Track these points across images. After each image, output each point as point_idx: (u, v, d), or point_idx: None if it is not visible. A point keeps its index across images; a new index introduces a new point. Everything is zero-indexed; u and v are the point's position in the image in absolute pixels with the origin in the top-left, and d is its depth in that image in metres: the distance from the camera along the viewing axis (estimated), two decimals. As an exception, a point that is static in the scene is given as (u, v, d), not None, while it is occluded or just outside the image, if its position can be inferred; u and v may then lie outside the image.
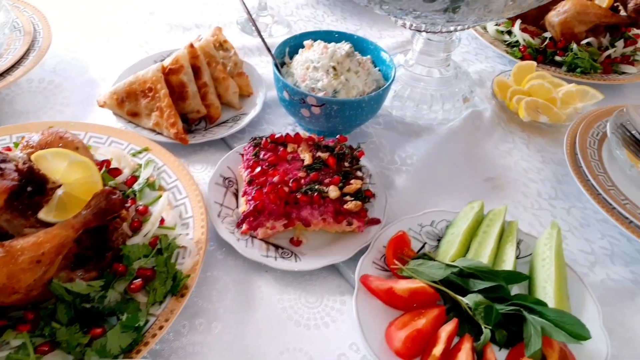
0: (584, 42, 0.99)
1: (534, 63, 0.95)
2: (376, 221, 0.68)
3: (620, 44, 1.01)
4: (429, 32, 0.77)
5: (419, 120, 0.88)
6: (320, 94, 0.75)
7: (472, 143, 0.86)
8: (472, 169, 0.82)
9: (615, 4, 1.03)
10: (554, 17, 1.00)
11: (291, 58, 0.83)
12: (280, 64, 0.83)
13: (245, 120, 0.81)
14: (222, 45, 0.88)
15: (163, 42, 1.01)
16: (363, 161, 0.76)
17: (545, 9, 1.02)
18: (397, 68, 0.92)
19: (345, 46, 0.78)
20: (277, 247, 0.65)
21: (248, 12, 0.79)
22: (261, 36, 0.80)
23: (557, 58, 1.00)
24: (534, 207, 0.77)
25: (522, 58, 0.99)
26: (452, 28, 0.75)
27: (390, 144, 0.84)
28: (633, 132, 0.80)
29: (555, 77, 0.95)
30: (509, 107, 0.89)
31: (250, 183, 0.67)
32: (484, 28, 1.07)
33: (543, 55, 1.01)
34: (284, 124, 0.85)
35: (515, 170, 0.82)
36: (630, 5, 0.99)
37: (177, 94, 0.79)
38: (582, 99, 0.91)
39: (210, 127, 0.81)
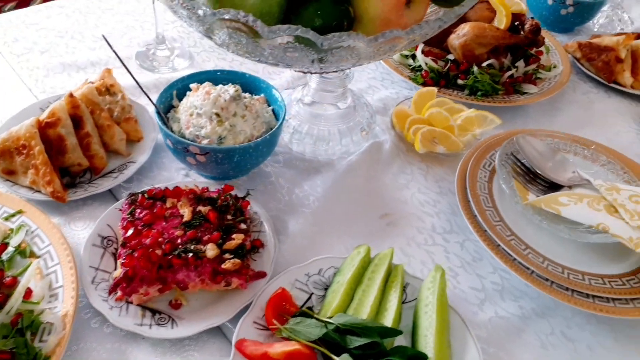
0: (485, 63, 1.00)
1: (434, 89, 0.95)
2: (262, 275, 0.67)
3: (521, 63, 1.02)
4: (315, 73, 0.76)
5: (319, 156, 0.87)
6: (205, 142, 0.73)
7: (370, 177, 0.85)
8: (369, 206, 0.81)
9: (516, 23, 1.04)
10: (455, 40, 1.00)
11: (181, 100, 0.81)
12: (169, 107, 0.81)
13: (132, 169, 0.78)
14: (108, 89, 0.84)
15: (56, 83, 0.96)
16: (255, 207, 0.74)
17: (447, 32, 1.02)
18: (296, 103, 0.90)
19: (230, 89, 0.76)
20: (154, 312, 0.63)
21: (116, 54, 0.75)
22: (135, 79, 0.77)
23: (460, 81, 1.00)
24: (427, 243, 0.77)
25: (424, 84, 0.99)
26: (335, 69, 0.73)
27: (288, 183, 0.83)
28: (523, 160, 0.81)
29: (457, 102, 0.95)
30: (406, 138, 0.89)
31: (123, 245, 0.64)
32: (389, 52, 1.07)
33: (446, 79, 1.01)
34: (177, 169, 0.83)
35: (412, 204, 0.82)
36: (527, 26, 1.00)
37: (56, 148, 0.75)
38: (480, 125, 0.91)
39: (95, 179, 0.78)
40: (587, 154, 0.84)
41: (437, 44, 1.05)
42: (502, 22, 1.01)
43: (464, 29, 0.99)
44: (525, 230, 0.73)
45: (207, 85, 0.78)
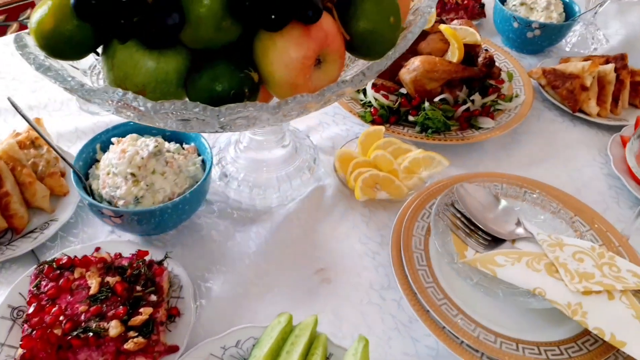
0: (437, 98, 0.95)
1: (382, 129, 0.91)
2: (174, 349, 0.63)
3: (477, 96, 0.97)
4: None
5: (257, 204, 0.83)
6: (121, 203, 0.70)
7: (309, 227, 0.81)
8: (305, 260, 0.77)
9: (473, 53, 0.99)
10: (405, 75, 0.95)
11: (106, 152, 0.77)
12: (93, 161, 0.77)
13: (53, 228, 0.75)
14: (33, 142, 0.81)
15: (-9, 128, 0.94)
16: (176, 269, 0.71)
17: (398, 64, 0.98)
18: (234, 147, 0.87)
19: (151, 144, 0.73)
20: (57, 394, 0.60)
21: (23, 116, 0.72)
22: (47, 141, 0.73)
23: (411, 118, 0.95)
24: (362, 302, 0.73)
25: (373, 121, 0.95)
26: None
27: (221, 236, 0.79)
28: (463, 211, 0.76)
29: (407, 141, 0.91)
30: (348, 184, 0.85)
31: (26, 322, 0.61)
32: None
33: (397, 115, 0.96)
34: (103, 225, 0.79)
35: (350, 257, 0.78)
36: (480, 59, 0.95)
37: (-30, 210, 0.72)
38: (428, 167, 0.87)
39: (15, 239, 0.75)
40: (536, 199, 0.79)
41: (390, 76, 1.01)
42: (454, 55, 0.96)
43: (414, 63, 0.94)
44: (460, 291, 0.69)
45: (127, 139, 0.74)
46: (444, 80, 0.95)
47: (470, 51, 0.98)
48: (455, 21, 1.04)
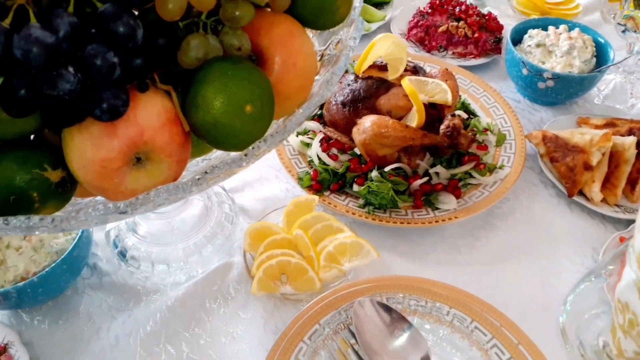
0: (391, 167, 0.79)
1: (314, 199, 0.77)
2: None
3: (441, 169, 0.80)
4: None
5: (148, 280, 0.73)
6: (-34, 278, 0.62)
7: (196, 318, 0.69)
8: (178, 360, 0.66)
9: (441, 116, 0.81)
10: (356, 135, 0.80)
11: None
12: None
13: None
14: None
15: None
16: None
17: (352, 122, 0.82)
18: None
19: (12, 212, 0.64)
20: None
21: None
22: None
23: (355, 187, 0.80)
24: None
25: (310, 187, 0.80)
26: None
27: (97, 318, 0.69)
28: (357, 342, 0.60)
29: (342, 217, 0.76)
30: (250, 272, 0.72)
31: None
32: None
33: (342, 181, 0.81)
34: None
35: (232, 366, 0.65)
36: (442, 127, 0.77)
37: None
38: (354, 256, 0.72)
39: None
40: (466, 329, 0.62)
41: (344, 131, 0.85)
42: (414, 118, 0.78)
43: (365, 123, 0.78)
44: None
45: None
46: (399, 147, 0.78)
47: (438, 113, 0.80)
48: (434, 70, 0.86)
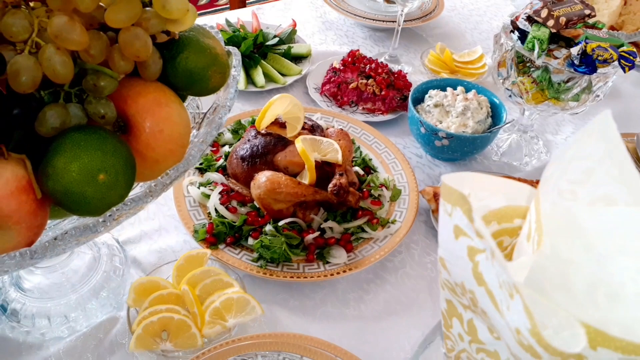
0: (282, 223, 0.81)
1: (206, 253, 0.78)
2: None
3: (333, 224, 0.83)
4: None
5: (28, 335, 0.72)
6: None
7: (74, 375, 0.69)
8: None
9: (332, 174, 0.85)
10: (253, 189, 0.82)
11: None
12: None
13: None
14: None
15: None
16: None
17: (250, 176, 0.85)
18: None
19: None
20: None
21: None
22: None
23: (250, 241, 0.82)
24: None
25: (205, 240, 0.82)
26: None
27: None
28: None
29: (234, 271, 0.78)
30: (131, 329, 0.72)
31: None
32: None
33: (238, 234, 0.83)
34: None
35: None
36: (330, 186, 0.81)
37: None
38: (239, 312, 0.73)
39: None
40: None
41: (245, 183, 0.87)
42: (306, 175, 0.82)
43: (261, 178, 0.81)
44: None
45: None
46: (292, 202, 0.81)
47: (331, 170, 0.83)
48: (331, 129, 0.90)
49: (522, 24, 0.95)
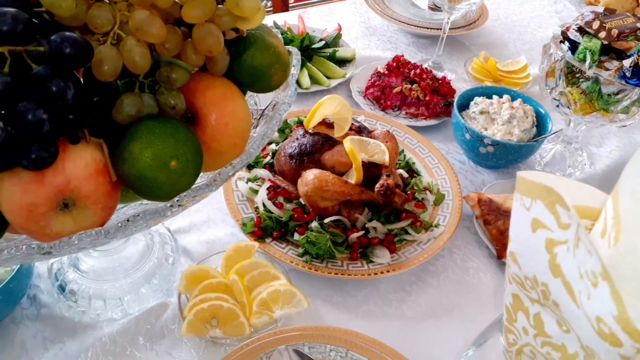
0: (328, 220, 0.83)
1: (254, 246, 0.80)
2: None
3: (377, 224, 0.84)
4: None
5: (84, 314, 0.75)
6: None
7: (127, 357, 0.71)
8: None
9: (379, 175, 0.86)
10: (300, 186, 0.84)
11: None
12: None
13: None
14: None
15: None
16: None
17: (298, 173, 0.87)
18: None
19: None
20: None
21: None
22: None
23: (296, 236, 0.84)
24: None
25: (253, 233, 0.84)
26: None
27: (31, 347, 0.71)
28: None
29: (281, 265, 0.80)
30: (182, 314, 0.74)
31: None
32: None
33: (285, 229, 0.85)
34: None
35: (152, 405, 0.67)
36: (377, 186, 0.82)
37: None
38: (285, 304, 0.75)
39: None
40: (382, 380, 0.65)
41: (292, 181, 0.90)
42: (353, 175, 0.83)
43: (309, 176, 0.83)
44: None
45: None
46: (338, 201, 0.83)
47: (379, 171, 0.85)
48: (377, 131, 0.92)
49: (573, 34, 0.95)
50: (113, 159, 0.52)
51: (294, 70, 0.67)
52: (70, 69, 0.48)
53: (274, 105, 0.67)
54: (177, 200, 0.54)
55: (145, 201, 0.66)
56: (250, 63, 0.61)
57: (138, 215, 0.51)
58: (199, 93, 0.58)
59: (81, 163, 0.49)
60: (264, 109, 0.71)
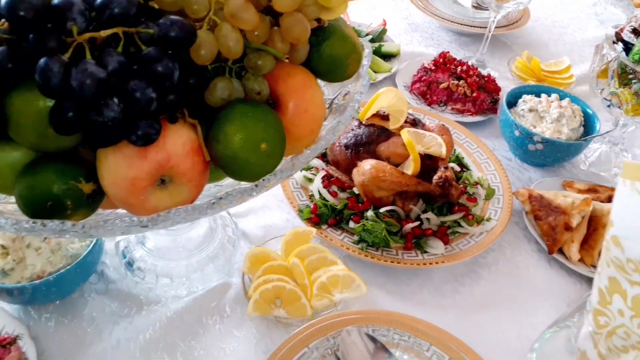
0: (384, 209, 0.85)
1: (312, 231, 0.83)
2: None
3: (432, 215, 0.86)
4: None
5: (150, 291, 0.78)
6: (-13, 273, 0.68)
7: (191, 332, 0.74)
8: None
9: (435, 167, 0.88)
10: (355, 176, 0.86)
11: None
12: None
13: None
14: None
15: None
16: (30, 352, 0.67)
17: (353, 163, 0.89)
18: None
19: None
20: None
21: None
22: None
23: (352, 224, 0.86)
24: None
25: (310, 220, 0.86)
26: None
27: (99, 322, 0.74)
28: (346, 364, 0.66)
29: (337, 251, 0.82)
30: (247, 294, 0.77)
31: None
32: (293, 172, 0.95)
33: (340, 217, 0.87)
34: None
35: (219, 379, 0.70)
36: (435, 177, 0.84)
37: None
38: (344, 288, 0.77)
39: None
40: (443, 364, 0.67)
41: (346, 171, 0.92)
42: (410, 166, 0.85)
43: (365, 166, 0.85)
44: None
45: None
46: (394, 191, 0.85)
47: (433, 164, 0.87)
48: (432, 124, 0.94)
49: (627, 35, 0.96)
50: (206, 140, 0.55)
51: (365, 61, 0.69)
52: (176, 51, 0.50)
53: (345, 94, 0.69)
54: (263, 181, 0.56)
55: (219, 183, 0.68)
56: (329, 52, 0.63)
57: (229, 194, 0.54)
58: (280, 80, 0.60)
59: (179, 141, 0.52)
60: (333, 99, 0.73)
